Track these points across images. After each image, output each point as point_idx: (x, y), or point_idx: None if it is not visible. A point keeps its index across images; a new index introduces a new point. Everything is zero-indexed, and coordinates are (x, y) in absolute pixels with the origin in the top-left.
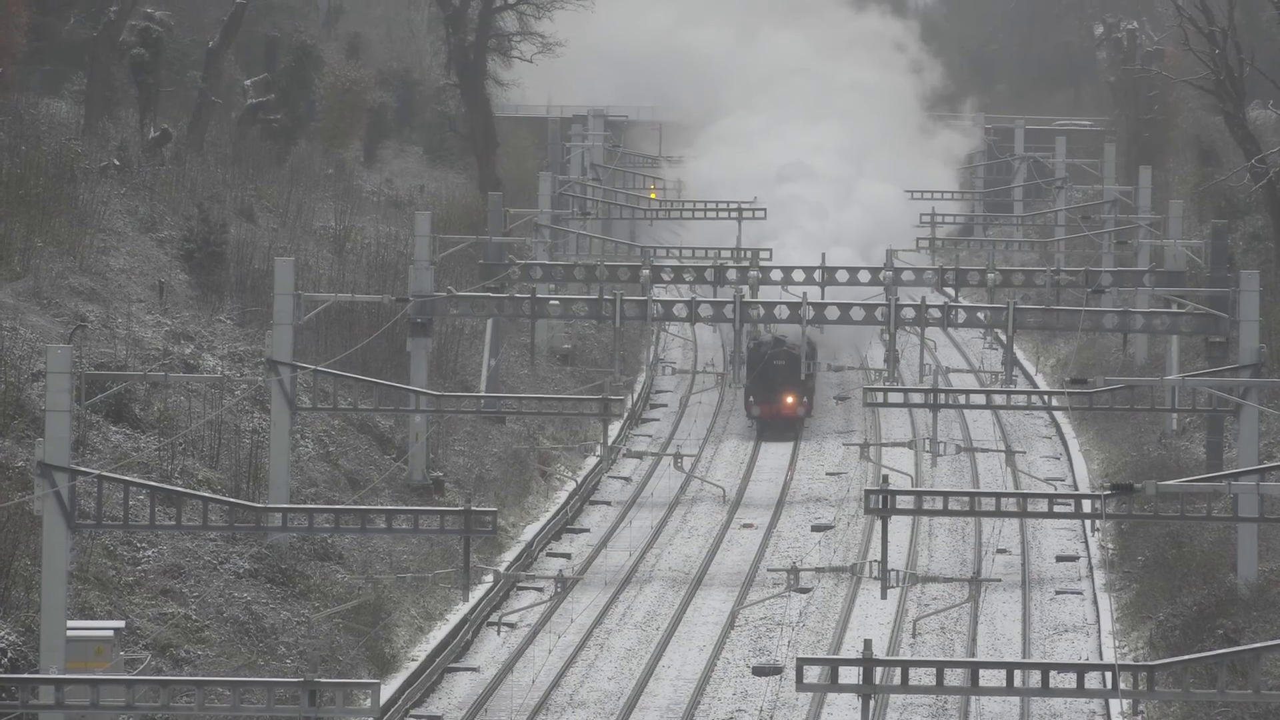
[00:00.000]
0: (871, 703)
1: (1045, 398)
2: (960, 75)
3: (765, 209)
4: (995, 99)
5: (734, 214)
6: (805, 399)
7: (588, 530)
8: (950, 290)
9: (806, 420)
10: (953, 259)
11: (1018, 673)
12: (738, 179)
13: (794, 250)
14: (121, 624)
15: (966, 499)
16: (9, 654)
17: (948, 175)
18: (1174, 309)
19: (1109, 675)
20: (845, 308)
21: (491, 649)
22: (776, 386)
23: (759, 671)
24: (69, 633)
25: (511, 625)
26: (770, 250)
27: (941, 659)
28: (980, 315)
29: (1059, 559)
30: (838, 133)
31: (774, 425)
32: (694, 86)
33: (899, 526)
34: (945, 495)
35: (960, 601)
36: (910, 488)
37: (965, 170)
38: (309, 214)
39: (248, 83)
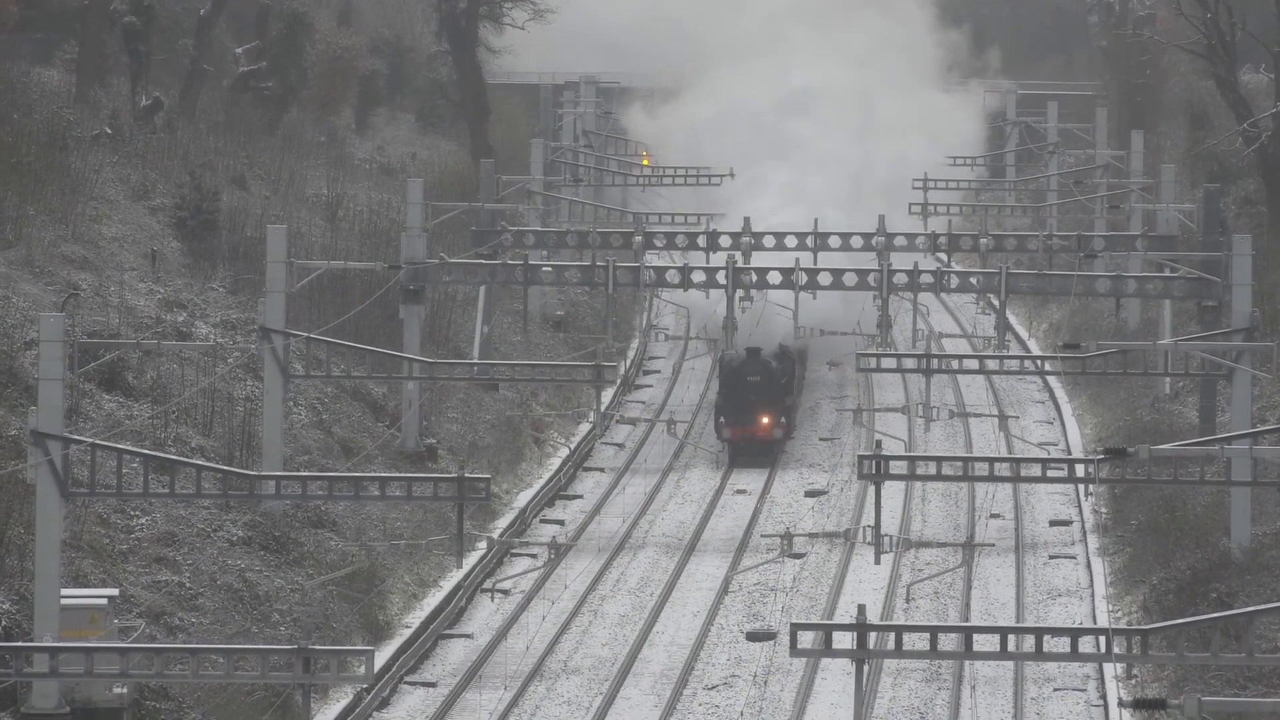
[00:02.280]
0: (865, 668)
1: (1038, 362)
2: (957, 40)
3: (732, 174)
4: (986, 64)
5: (721, 180)
6: (783, 420)
7: (581, 497)
8: (943, 255)
9: (788, 444)
10: (946, 224)
11: (1011, 637)
12: (727, 121)
13: (777, 196)
14: (115, 592)
15: (960, 464)
16: (3, 622)
17: (970, 138)
18: (1166, 273)
19: (1103, 639)
20: (838, 273)
21: (485, 615)
22: (750, 405)
23: (753, 637)
24: (63, 601)
25: (505, 592)
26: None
27: (935, 624)
28: (973, 280)
29: (1052, 523)
30: (843, 73)
31: (747, 449)
32: (686, 50)
33: (892, 492)
34: (939, 460)
35: (954, 566)
36: (903, 453)
37: (994, 130)
38: (301, 182)
39: (239, 50)
